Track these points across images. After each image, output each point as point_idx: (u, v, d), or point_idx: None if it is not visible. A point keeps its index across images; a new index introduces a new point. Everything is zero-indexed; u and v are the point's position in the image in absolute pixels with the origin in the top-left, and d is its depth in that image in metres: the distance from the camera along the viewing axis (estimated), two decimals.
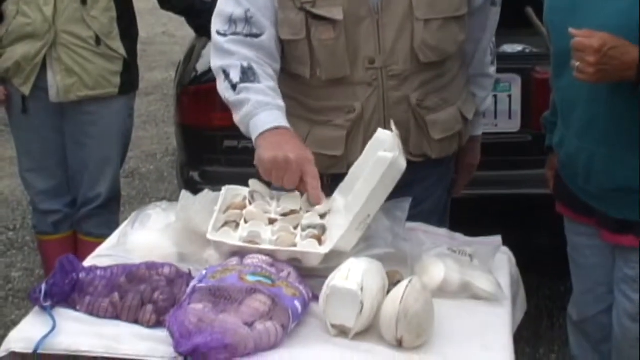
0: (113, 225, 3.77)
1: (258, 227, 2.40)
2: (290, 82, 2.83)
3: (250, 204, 2.51)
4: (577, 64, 2.49)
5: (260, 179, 2.57)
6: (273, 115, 2.57)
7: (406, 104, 2.78)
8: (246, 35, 2.68)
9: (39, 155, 4.31)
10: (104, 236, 2.76)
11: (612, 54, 2.45)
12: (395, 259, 2.36)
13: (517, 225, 3.97)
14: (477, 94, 3.06)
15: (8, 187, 6.42)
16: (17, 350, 2.04)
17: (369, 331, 2.11)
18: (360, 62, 2.73)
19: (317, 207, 2.48)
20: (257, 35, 2.68)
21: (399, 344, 2.06)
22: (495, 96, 4.13)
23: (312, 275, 2.28)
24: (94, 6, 4.04)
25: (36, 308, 2.18)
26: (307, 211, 2.48)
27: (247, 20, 2.68)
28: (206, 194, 2.57)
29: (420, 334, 2.07)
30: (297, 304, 2.09)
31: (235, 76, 2.63)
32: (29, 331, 2.09)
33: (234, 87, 2.62)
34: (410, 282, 2.10)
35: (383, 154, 2.37)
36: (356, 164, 2.54)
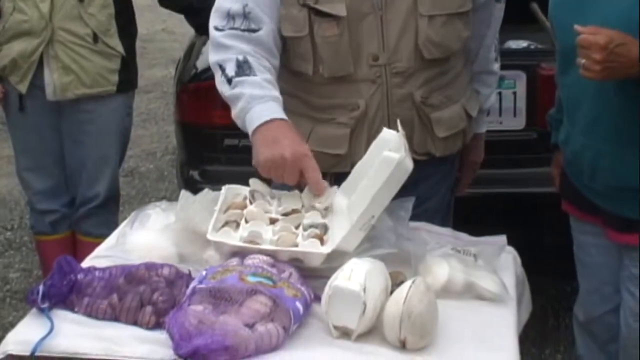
0: (112, 225, 3.77)
1: (259, 226, 2.40)
2: (293, 79, 2.83)
3: (251, 203, 2.51)
4: (583, 61, 2.48)
5: (260, 178, 2.57)
6: (267, 108, 2.55)
7: (410, 102, 2.78)
8: (244, 30, 2.67)
9: (36, 154, 4.32)
10: (103, 236, 2.77)
11: (618, 51, 2.45)
12: (398, 259, 2.35)
13: (522, 224, 3.98)
14: (481, 91, 3.06)
15: (5, 186, 6.43)
16: (15, 352, 2.04)
17: (372, 332, 2.11)
18: (363, 59, 2.73)
19: (321, 200, 2.48)
20: (254, 30, 2.67)
21: (403, 346, 2.06)
22: (500, 93, 4.13)
23: (314, 275, 2.28)
24: (92, 3, 4.04)
25: (34, 310, 2.17)
26: (310, 206, 2.48)
27: (245, 15, 2.67)
28: (206, 193, 2.57)
29: (424, 335, 2.07)
30: (299, 305, 2.09)
31: (230, 70, 2.63)
32: (26, 333, 2.09)
33: (229, 81, 2.62)
34: (413, 282, 2.10)
35: (389, 153, 2.36)
36: (360, 163, 2.54)
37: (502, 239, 2.59)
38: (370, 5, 2.70)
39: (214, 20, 2.72)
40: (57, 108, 4.18)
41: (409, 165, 2.38)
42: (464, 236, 2.67)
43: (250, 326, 2.01)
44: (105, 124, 4.23)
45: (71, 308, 2.19)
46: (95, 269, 2.30)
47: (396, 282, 2.20)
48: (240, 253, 2.30)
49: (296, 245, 2.33)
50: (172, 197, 5.02)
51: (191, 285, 2.14)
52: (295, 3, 2.70)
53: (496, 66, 3.10)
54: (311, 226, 2.40)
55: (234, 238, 2.35)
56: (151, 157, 7.10)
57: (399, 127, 2.46)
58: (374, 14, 2.70)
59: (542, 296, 4.49)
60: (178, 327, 2.00)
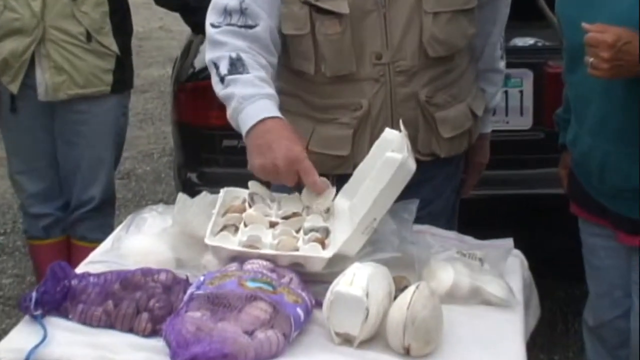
0: (107, 229, 3.78)
1: (258, 230, 2.40)
2: (294, 79, 2.83)
3: (250, 206, 2.51)
4: (591, 60, 2.48)
5: (260, 180, 2.57)
6: (259, 107, 2.54)
7: (414, 101, 2.78)
8: (240, 27, 2.66)
9: (29, 156, 4.31)
10: (98, 241, 2.77)
11: (626, 49, 2.45)
12: (402, 264, 2.35)
13: (529, 227, 3.99)
14: (486, 90, 3.06)
15: None
16: None
17: (375, 339, 2.11)
18: (366, 58, 2.73)
19: (320, 201, 2.48)
20: (251, 27, 2.66)
21: (407, 353, 2.06)
22: (506, 92, 4.14)
23: (315, 280, 2.28)
24: (85, 1, 4.03)
25: (27, 317, 2.17)
26: (311, 207, 2.48)
27: (242, 11, 2.67)
28: (204, 196, 2.57)
29: (429, 341, 2.07)
30: (300, 311, 2.09)
31: (223, 68, 2.61)
32: (19, 341, 2.09)
33: (222, 80, 2.61)
34: (417, 287, 2.10)
35: (392, 154, 2.36)
36: (362, 164, 2.54)
37: (509, 242, 2.59)
38: (373, 3, 2.69)
39: (211, 17, 2.72)
40: (50, 109, 4.18)
41: (412, 166, 2.38)
42: (470, 239, 2.67)
43: (250, 333, 2.01)
44: (99, 125, 4.22)
45: (65, 315, 2.19)
46: (89, 274, 2.30)
47: (400, 287, 2.20)
48: (239, 258, 2.30)
49: (297, 250, 2.33)
50: (170, 200, 5.01)
51: (189, 291, 2.14)
52: (296, 0, 2.70)
53: (502, 64, 3.10)
54: (312, 230, 2.40)
55: (232, 242, 2.35)
56: (148, 158, 7.10)
57: (402, 127, 2.46)
58: (377, 11, 2.70)
59: (550, 301, 4.49)
60: (175, 334, 2.00)
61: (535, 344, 4.00)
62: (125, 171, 6.69)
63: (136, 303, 2.16)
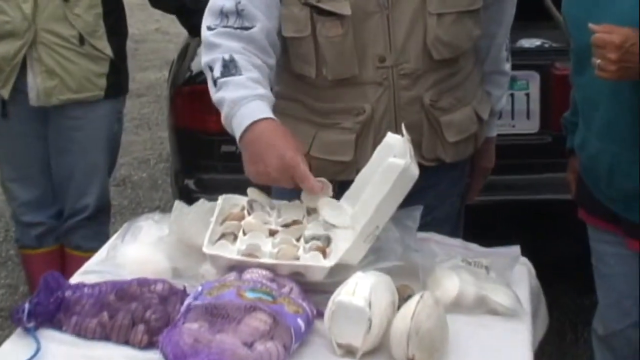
0: (103, 238, 3.75)
1: (257, 239, 2.40)
2: (295, 82, 2.83)
3: (249, 214, 2.51)
4: (598, 61, 2.49)
5: (259, 187, 2.57)
6: (250, 109, 2.52)
7: (419, 105, 2.78)
8: (236, 28, 2.65)
9: (21, 163, 4.31)
10: (93, 250, 2.77)
11: (634, 50, 2.45)
12: (405, 272, 2.35)
13: (536, 234, 3.98)
14: (492, 93, 3.06)
15: None
16: None
17: (378, 350, 2.11)
18: (369, 61, 2.73)
19: (321, 199, 2.48)
20: (247, 28, 2.65)
21: None
22: (512, 95, 4.14)
23: (316, 290, 2.28)
24: (78, 3, 4.01)
25: (19, 329, 2.17)
26: (311, 208, 2.49)
27: (239, 12, 2.66)
28: (202, 203, 2.57)
29: (433, 352, 2.07)
30: (300, 322, 2.09)
31: (217, 71, 2.61)
32: (11, 354, 2.10)
33: (215, 83, 2.61)
34: (422, 297, 2.10)
35: (394, 160, 2.36)
36: (363, 170, 2.53)
37: (516, 249, 2.59)
38: (376, 4, 2.69)
39: (207, 20, 2.71)
40: (43, 114, 4.16)
41: (415, 171, 2.38)
42: (475, 247, 2.67)
43: (249, 345, 2.01)
44: (93, 130, 4.21)
45: (59, 327, 2.19)
46: (84, 285, 2.30)
47: (403, 296, 2.20)
48: (238, 267, 2.30)
49: (297, 259, 2.33)
50: (167, 207, 5.02)
51: (186, 302, 2.14)
52: (296, 2, 2.70)
53: (507, 66, 3.10)
54: (313, 238, 2.40)
55: (231, 251, 2.35)
56: (144, 165, 7.10)
57: (404, 132, 2.45)
58: (380, 12, 2.70)
59: (559, 310, 4.49)
60: (172, 346, 2.00)
61: (544, 353, 3.96)
62: (120, 178, 6.68)
63: (132, 314, 2.16)
